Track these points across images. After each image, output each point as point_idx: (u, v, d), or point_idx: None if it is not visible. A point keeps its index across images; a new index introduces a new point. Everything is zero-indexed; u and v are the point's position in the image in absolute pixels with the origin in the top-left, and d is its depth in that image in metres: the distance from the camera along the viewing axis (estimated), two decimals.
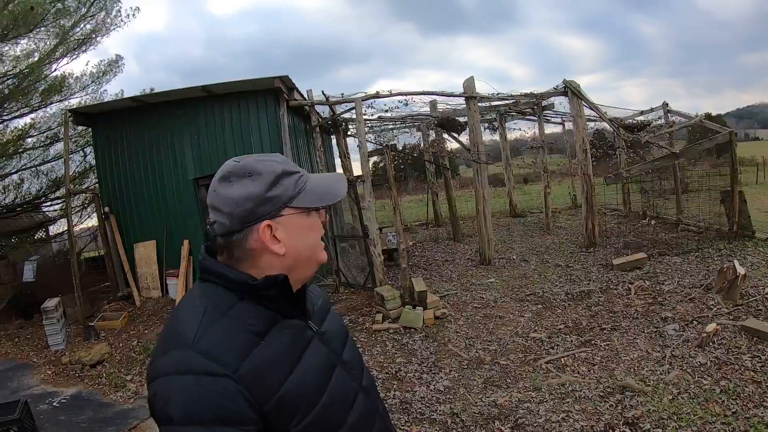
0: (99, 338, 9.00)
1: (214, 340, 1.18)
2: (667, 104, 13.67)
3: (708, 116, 12.72)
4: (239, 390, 1.14)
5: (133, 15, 15.05)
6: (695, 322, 6.36)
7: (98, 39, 14.88)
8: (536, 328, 7.08)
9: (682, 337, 5.99)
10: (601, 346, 6.16)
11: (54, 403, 6.80)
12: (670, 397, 4.71)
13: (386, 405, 5.32)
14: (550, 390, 5.19)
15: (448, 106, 13.73)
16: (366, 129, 14.32)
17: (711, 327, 5.77)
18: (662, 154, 11.30)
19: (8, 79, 13.28)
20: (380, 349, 6.92)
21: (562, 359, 5.93)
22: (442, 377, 5.88)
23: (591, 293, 8.13)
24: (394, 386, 5.80)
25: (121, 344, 8.51)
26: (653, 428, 4.28)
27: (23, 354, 8.97)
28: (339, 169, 15.05)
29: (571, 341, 6.45)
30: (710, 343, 5.62)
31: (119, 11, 14.65)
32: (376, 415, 1.47)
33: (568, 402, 4.91)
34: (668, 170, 12.52)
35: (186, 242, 10.58)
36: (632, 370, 5.41)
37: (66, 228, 11.24)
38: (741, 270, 6.78)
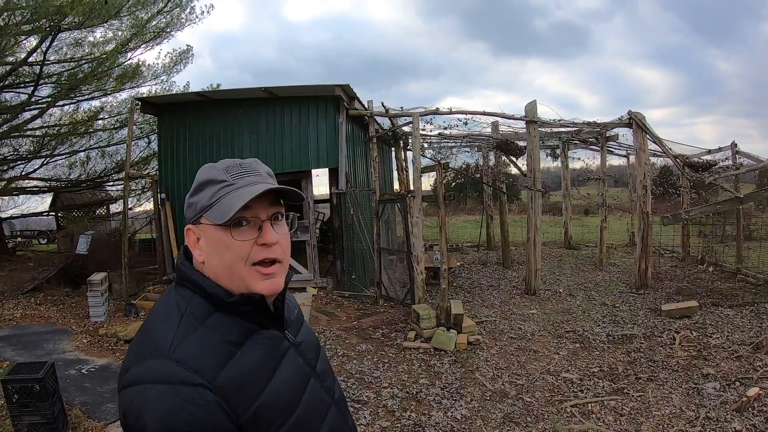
0: (138, 316, 9.37)
1: (191, 350, 1.15)
2: (735, 144, 13.05)
3: None
4: (217, 401, 1.11)
5: (208, 12, 15.65)
6: (737, 383, 5.99)
7: (173, 33, 15.59)
8: (569, 367, 6.83)
9: (722, 398, 5.65)
10: (633, 396, 5.88)
11: (83, 370, 7.09)
12: None
13: (399, 425, 5.26)
14: None
15: (510, 129, 13.53)
16: (425, 145, 14.26)
17: (753, 391, 5.41)
18: (726, 197, 10.82)
19: (85, 64, 13.82)
20: (406, 367, 6.82)
21: (590, 405, 5.68)
22: (461, 405, 5.73)
23: (633, 338, 7.82)
24: (412, 407, 5.70)
25: None
26: None
27: (64, 320, 9.48)
28: (396, 183, 14.98)
29: (603, 387, 6.18)
30: (749, 408, 5.28)
31: (194, 8, 15.24)
32: (345, 430, 1.44)
33: None
34: (732, 215, 11.97)
35: None
36: (661, 427, 5.13)
37: (123, 210, 11.64)
38: None
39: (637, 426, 5.16)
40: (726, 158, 13.41)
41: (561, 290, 11.08)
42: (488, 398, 5.93)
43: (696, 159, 13.19)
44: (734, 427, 4.98)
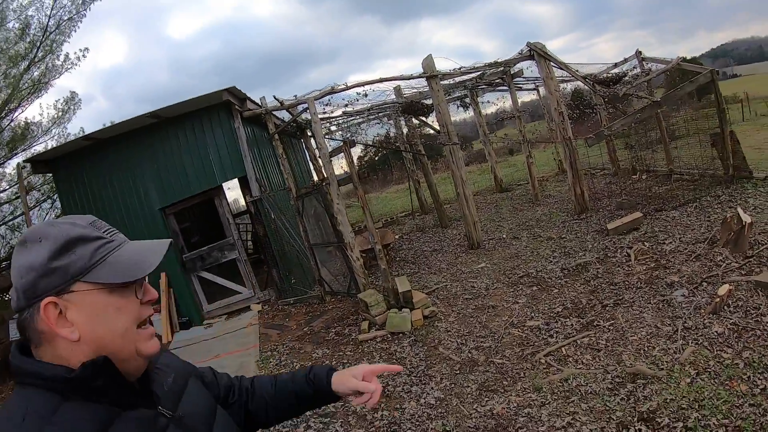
0: None
1: None
2: (640, 52, 12.97)
3: (684, 60, 12.03)
4: None
5: (83, 55, 14.88)
6: (705, 284, 5.71)
7: (51, 82, 14.85)
8: (532, 314, 6.44)
9: (693, 303, 5.33)
10: (604, 327, 5.50)
11: None
12: (688, 380, 4.07)
13: (374, 429, 4.73)
14: (552, 389, 4.54)
15: (415, 89, 13.06)
16: (333, 127, 13.67)
17: (724, 289, 5.08)
18: (642, 105, 10.64)
19: None
20: (367, 362, 6.28)
21: (563, 349, 5.27)
22: (432, 387, 5.24)
23: (588, 265, 7.50)
24: (382, 405, 5.17)
25: None
26: (672, 422, 3.65)
27: None
28: (313, 174, 14.46)
29: (572, 325, 5.79)
30: (725, 308, 4.96)
31: (68, 55, 14.53)
32: None
33: (573, 401, 4.28)
34: (651, 121, 11.87)
35: (163, 275, 10.25)
36: (642, 351, 4.76)
37: None
38: (746, 218, 6.12)
39: (617, 357, 4.78)
40: (634, 68, 13.31)
41: (504, 236, 10.75)
42: (458, 371, 5.46)
43: (605, 75, 13.04)
44: (715, 331, 4.65)
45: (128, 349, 1.11)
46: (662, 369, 4.32)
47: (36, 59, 13.64)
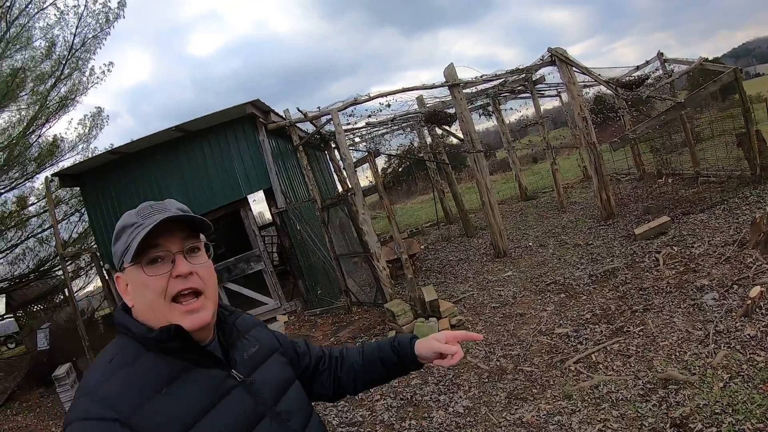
0: None
1: (112, 388, 1.17)
2: (662, 54, 12.86)
3: (706, 60, 11.90)
4: None
5: (108, 70, 15.12)
6: (735, 286, 5.62)
7: (78, 98, 15.11)
8: (561, 321, 6.40)
9: (725, 306, 5.26)
10: (634, 332, 5.45)
11: None
12: (721, 384, 4.01)
13: None
14: (583, 396, 4.51)
15: (437, 99, 13.10)
16: (357, 139, 13.74)
17: (755, 291, 5.01)
18: (666, 107, 10.54)
19: None
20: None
21: (593, 356, 5.23)
22: (461, 396, 5.23)
23: (616, 271, 7.43)
24: (409, 414, 5.19)
25: None
26: (705, 427, 3.60)
27: (44, 425, 8.89)
28: (339, 185, 14.55)
29: (601, 332, 5.74)
30: (756, 310, 4.88)
31: (93, 69, 14.71)
32: None
33: (604, 408, 4.23)
34: (676, 123, 11.75)
35: None
36: (673, 356, 4.70)
37: (78, 290, 11.00)
38: None
39: (648, 363, 4.72)
40: (656, 70, 13.21)
41: (530, 243, 10.70)
42: (486, 380, 5.44)
43: (627, 78, 12.96)
44: (748, 334, 4.58)
45: (159, 320, 1.27)
46: (694, 374, 4.27)
47: (62, 76, 13.88)
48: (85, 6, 13.27)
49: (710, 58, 12.94)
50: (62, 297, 19.70)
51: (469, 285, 9.07)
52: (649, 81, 12.20)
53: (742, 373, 4.06)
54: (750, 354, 4.29)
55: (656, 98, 11.32)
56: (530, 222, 13.10)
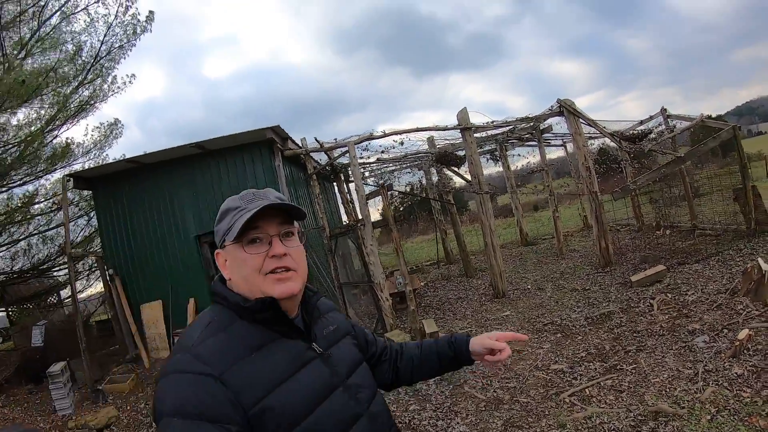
0: (107, 402, 8.87)
1: (208, 347, 1.34)
2: (665, 110, 13.30)
3: (708, 117, 12.31)
4: (223, 391, 1.27)
5: (130, 81, 15.34)
6: (725, 331, 5.85)
7: (97, 105, 15.21)
8: (557, 359, 6.59)
9: (714, 348, 5.49)
10: (627, 370, 5.66)
11: None
12: (708, 417, 4.21)
13: None
14: (576, 426, 4.70)
15: (447, 141, 13.47)
16: (366, 173, 14.05)
17: (743, 333, 5.26)
18: (667, 160, 10.90)
19: (12, 147, 13.35)
20: (393, 398, 6.42)
21: (587, 390, 5.43)
22: (458, 422, 5.40)
23: (612, 315, 7.65)
24: None
25: (129, 407, 8.36)
26: None
27: (31, 419, 8.89)
28: (344, 217, 14.79)
29: (595, 369, 5.95)
30: (744, 351, 5.12)
31: (115, 78, 14.92)
32: None
33: None
34: (676, 177, 12.09)
35: (192, 300, 10.56)
36: (664, 392, 4.91)
37: (78, 293, 11.12)
38: (766, 266, 6.29)
39: (639, 398, 4.92)
40: (659, 125, 13.63)
41: (529, 286, 10.91)
42: (483, 408, 5.62)
43: (631, 132, 13.36)
44: (735, 373, 4.80)
45: (253, 291, 1.44)
46: (683, 407, 4.47)
47: (85, 81, 14.11)
48: (116, 16, 13.65)
49: (713, 115, 13.37)
50: (57, 299, 19.72)
51: (468, 322, 9.25)
52: (652, 135, 12.59)
53: (728, 407, 4.27)
54: (737, 390, 4.51)
55: (658, 152, 11.66)
56: (529, 266, 13.32)
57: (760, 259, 6.73)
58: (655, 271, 8.71)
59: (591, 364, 6.12)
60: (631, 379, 5.41)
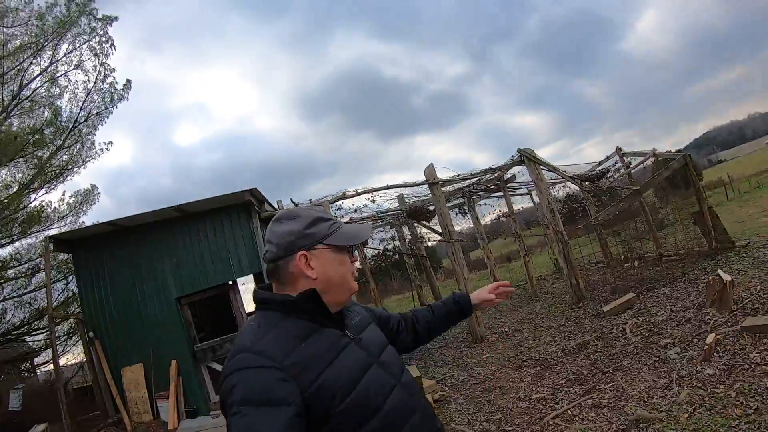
0: None
1: (266, 344, 1.52)
2: (620, 149, 13.80)
3: (668, 152, 12.81)
4: (285, 378, 1.44)
5: (107, 148, 15.47)
6: (696, 340, 6.02)
7: (75, 170, 15.29)
8: (538, 389, 6.64)
9: (686, 357, 5.63)
10: (606, 389, 5.75)
11: None
12: (686, 415, 4.32)
13: None
14: None
15: (416, 197, 13.72)
16: None
17: (711, 337, 5.44)
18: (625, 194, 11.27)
19: None
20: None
21: (569, 411, 5.49)
22: None
23: (587, 343, 7.76)
24: None
25: None
26: None
27: None
28: None
29: (575, 392, 6.02)
30: (714, 354, 5.27)
31: (93, 143, 14.99)
32: (416, 409, 1.71)
33: None
34: (639, 213, 12.46)
35: (174, 363, 10.45)
36: (642, 401, 5.01)
37: (52, 357, 10.88)
38: (726, 277, 6.52)
39: (619, 410, 5.01)
40: (615, 163, 14.11)
41: (506, 329, 10.96)
42: None
43: (591, 173, 13.79)
44: (708, 373, 4.94)
45: (345, 286, 1.72)
46: (662, 411, 4.57)
47: (63, 146, 14.25)
48: (95, 83, 13.87)
49: (673, 150, 13.86)
50: (31, 365, 19.07)
51: (449, 368, 9.25)
52: (609, 174, 13.02)
53: (704, 404, 4.39)
54: (711, 388, 4.64)
55: (616, 188, 12.04)
56: (504, 312, 13.38)
57: (720, 271, 6.98)
58: (625, 299, 8.89)
59: (571, 388, 6.20)
60: (610, 395, 5.51)
